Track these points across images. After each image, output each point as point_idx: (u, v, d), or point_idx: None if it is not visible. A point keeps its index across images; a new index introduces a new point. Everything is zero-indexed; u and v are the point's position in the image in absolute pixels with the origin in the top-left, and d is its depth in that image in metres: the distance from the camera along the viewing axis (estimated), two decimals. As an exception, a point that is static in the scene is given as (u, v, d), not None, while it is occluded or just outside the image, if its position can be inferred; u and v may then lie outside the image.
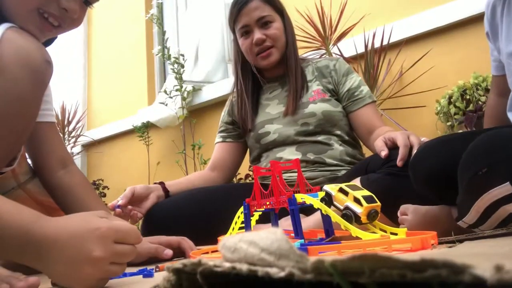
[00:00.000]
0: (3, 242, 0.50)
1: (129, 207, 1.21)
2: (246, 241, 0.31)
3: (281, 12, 1.40)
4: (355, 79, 1.38)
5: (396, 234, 0.65)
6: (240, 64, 1.44)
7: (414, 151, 0.98)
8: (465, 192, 0.68)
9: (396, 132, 1.08)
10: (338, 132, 1.34)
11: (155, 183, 1.36)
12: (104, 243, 0.49)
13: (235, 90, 1.47)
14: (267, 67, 1.40)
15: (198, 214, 1.27)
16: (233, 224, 0.93)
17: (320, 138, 1.33)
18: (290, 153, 1.33)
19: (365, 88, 1.37)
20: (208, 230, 1.18)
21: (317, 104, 1.34)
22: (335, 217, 0.66)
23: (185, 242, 0.94)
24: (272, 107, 1.41)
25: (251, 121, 1.41)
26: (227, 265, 0.31)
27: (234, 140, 1.50)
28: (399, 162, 0.99)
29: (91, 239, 0.49)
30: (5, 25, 0.70)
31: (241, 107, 1.43)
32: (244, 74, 1.44)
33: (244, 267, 0.29)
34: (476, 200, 0.65)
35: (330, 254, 0.62)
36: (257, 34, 1.34)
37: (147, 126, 2.59)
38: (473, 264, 0.20)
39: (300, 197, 0.72)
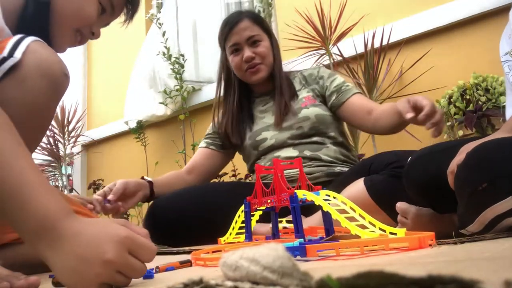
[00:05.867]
0: (23, 223, 0.51)
1: (119, 203, 1.24)
2: (247, 259, 0.31)
3: (268, 32, 1.49)
4: (339, 78, 1.46)
5: (395, 234, 0.65)
6: (226, 81, 1.51)
7: (434, 119, 0.98)
8: (466, 207, 0.67)
9: (419, 97, 1.05)
10: (332, 134, 1.41)
11: (143, 179, 1.38)
12: (119, 249, 0.50)
13: (225, 103, 1.51)
14: (255, 82, 1.46)
15: (200, 212, 1.29)
16: (233, 224, 0.93)
17: (315, 139, 1.39)
18: (287, 152, 1.38)
19: (350, 84, 1.45)
20: (210, 228, 1.19)
21: (309, 109, 1.41)
22: (336, 215, 0.66)
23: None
24: (268, 117, 1.47)
25: (248, 134, 1.47)
26: (229, 284, 0.30)
27: (217, 149, 1.55)
28: (410, 115, 1.00)
29: (108, 243, 0.50)
30: (31, 38, 0.73)
31: (235, 123, 1.48)
32: (232, 89, 1.50)
33: (246, 286, 0.29)
34: (478, 214, 0.65)
35: (328, 253, 0.62)
36: (247, 52, 1.42)
37: (142, 127, 2.59)
38: (481, 279, 0.20)
39: (302, 194, 0.72)
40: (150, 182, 1.38)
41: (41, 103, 0.73)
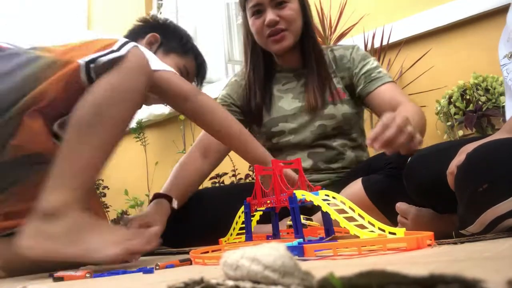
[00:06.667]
0: (254, 159, 1.10)
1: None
2: (249, 258, 0.31)
3: None
4: (372, 62, 1.27)
5: (394, 233, 0.65)
6: (250, 47, 1.31)
7: (391, 130, 0.81)
8: (466, 207, 0.67)
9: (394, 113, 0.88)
10: (354, 135, 1.29)
11: (159, 196, 1.19)
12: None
13: (246, 76, 1.33)
14: (278, 52, 1.27)
15: (204, 215, 1.26)
16: (233, 225, 0.93)
17: (336, 143, 1.26)
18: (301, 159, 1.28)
19: (383, 70, 1.26)
20: (213, 230, 1.17)
21: (337, 106, 1.25)
22: (335, 215, 0.66)
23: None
24: (286, 101, 1.30)
25: (265, 114, 1.31)
26: (230, 283, 0.30)
27: None
28: (367, 141, 0.84)
29: None
30: (134, 43, 0.85)
31: (253, 97, 1.31)
32: (254, 59, 1.31)
33: (247, 285, 0.29)
34: (478, 215, 0.64)
35: (325, 253, 0.62)
36: (270, 15, 1.20)
37: (142, 127, 2.59)
38: (484, 278, 0.20)
39: (301, 194, 0.72)
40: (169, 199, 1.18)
41: (135, 91, 0.85)
